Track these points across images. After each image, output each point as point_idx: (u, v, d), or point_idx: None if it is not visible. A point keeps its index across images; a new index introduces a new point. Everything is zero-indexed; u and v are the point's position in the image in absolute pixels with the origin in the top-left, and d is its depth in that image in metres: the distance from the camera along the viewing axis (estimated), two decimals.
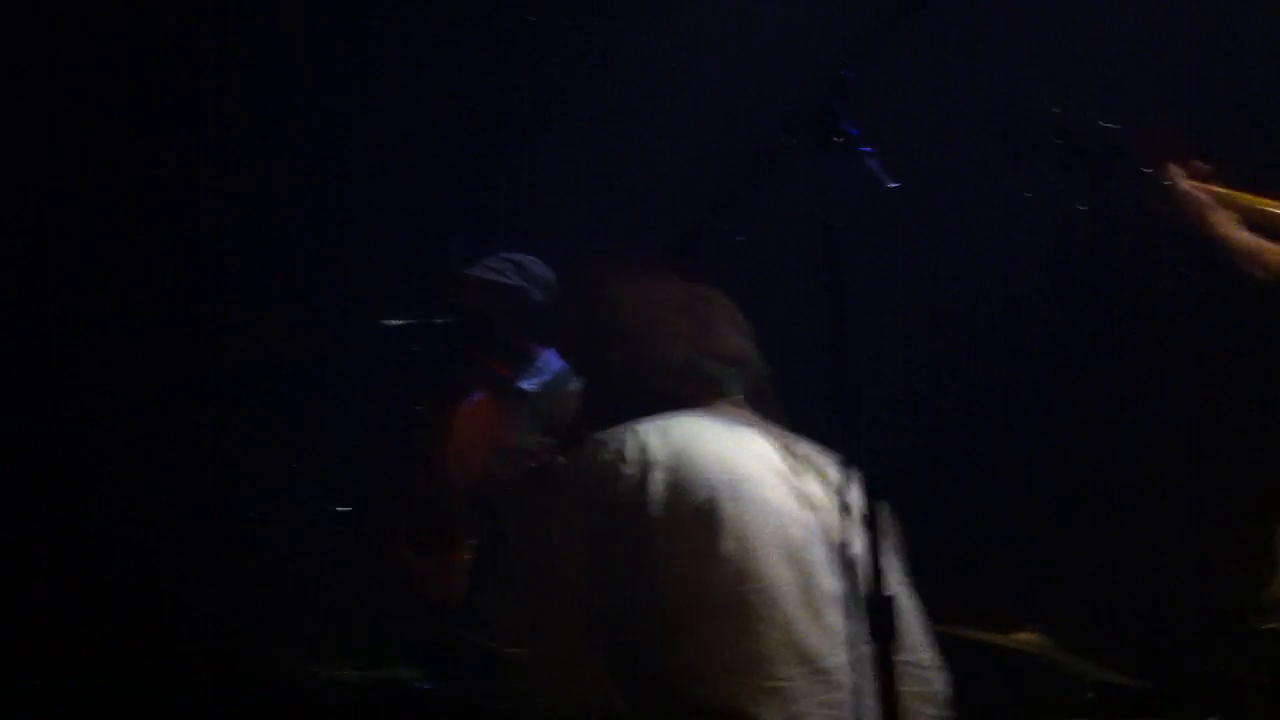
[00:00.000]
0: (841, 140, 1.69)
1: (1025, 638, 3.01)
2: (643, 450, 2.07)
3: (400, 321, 3.52)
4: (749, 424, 2.24)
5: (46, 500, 4.26)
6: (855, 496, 1.72)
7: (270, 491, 4.17)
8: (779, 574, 2.02)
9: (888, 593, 1.70)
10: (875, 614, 1.69)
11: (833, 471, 2.15)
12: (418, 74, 4.63)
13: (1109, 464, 3.86)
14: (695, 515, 2.03)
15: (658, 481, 2.04)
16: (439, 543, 3.61)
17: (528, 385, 3.67)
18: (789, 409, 2.34)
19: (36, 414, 4.36)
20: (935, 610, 2.44)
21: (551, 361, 3.71)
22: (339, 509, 3.39)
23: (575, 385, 3.51)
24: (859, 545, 1.75)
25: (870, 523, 1.71)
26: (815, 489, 2.14)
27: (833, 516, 2.05)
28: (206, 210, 4.53)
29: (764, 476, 2.12)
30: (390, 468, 3.96)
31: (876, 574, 1.70)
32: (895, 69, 3.13)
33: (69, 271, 4.45)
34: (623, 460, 2.06)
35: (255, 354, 4.46)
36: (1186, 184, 2.67)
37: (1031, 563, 3.81)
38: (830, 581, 2.03)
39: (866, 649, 1.69)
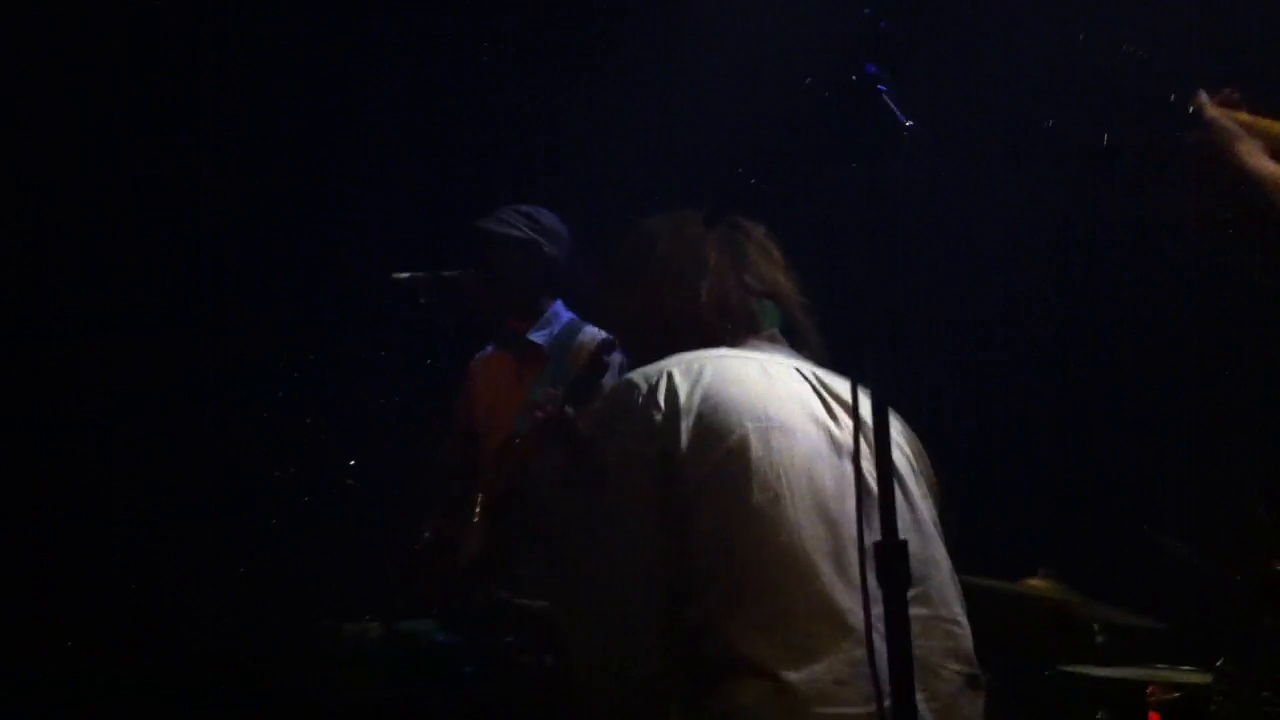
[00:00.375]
0: (857, 78, 1.66)
1: (1036, 584, 3.00)
2: (673, 395, 2.00)
3: (408, 274, 3.50)
4: (785, 361, 2.16)
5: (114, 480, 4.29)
6: (888, 438, 1.68)
7: (290, 455, 4.18)
8: (808, 527, 1.94)
9: (900, 538, 1.66)
10: (888, 560, 1.65)
11: (866, 412, 2.04)
12: (444, 48, 4.63)
13: (1120, 408, 3.86)
14: (725, 463, 1.96)
15: (688, 429, 1.98)
16: (456, 502, 3.61)
17: (537, 338, 3.66)
18: (827, 344, 2.28)
19: (85, 405, 4.38)
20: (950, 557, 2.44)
21: (561, 313, 3.70)
22: (349, 469, 3.39)
23: (585, 336, 3.52)
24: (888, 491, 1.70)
25: (884, 465, 1.68)
26: (849, 433, 2.04)
27: (867, 461, 1.94)
28: (223, 176, 4.52)
29: (797, 422, 2.04)
30: (408, 427, 3.97)
31: (889, 519, 1.66)
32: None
33: (106, 262, 4.45)
34: (656, 406, 2.00)
35: (273, 319, 4.47)
36: (1214, 110, 2.60)
37: (1042, 508, 3.81)
38: (860, 532, 1.93)
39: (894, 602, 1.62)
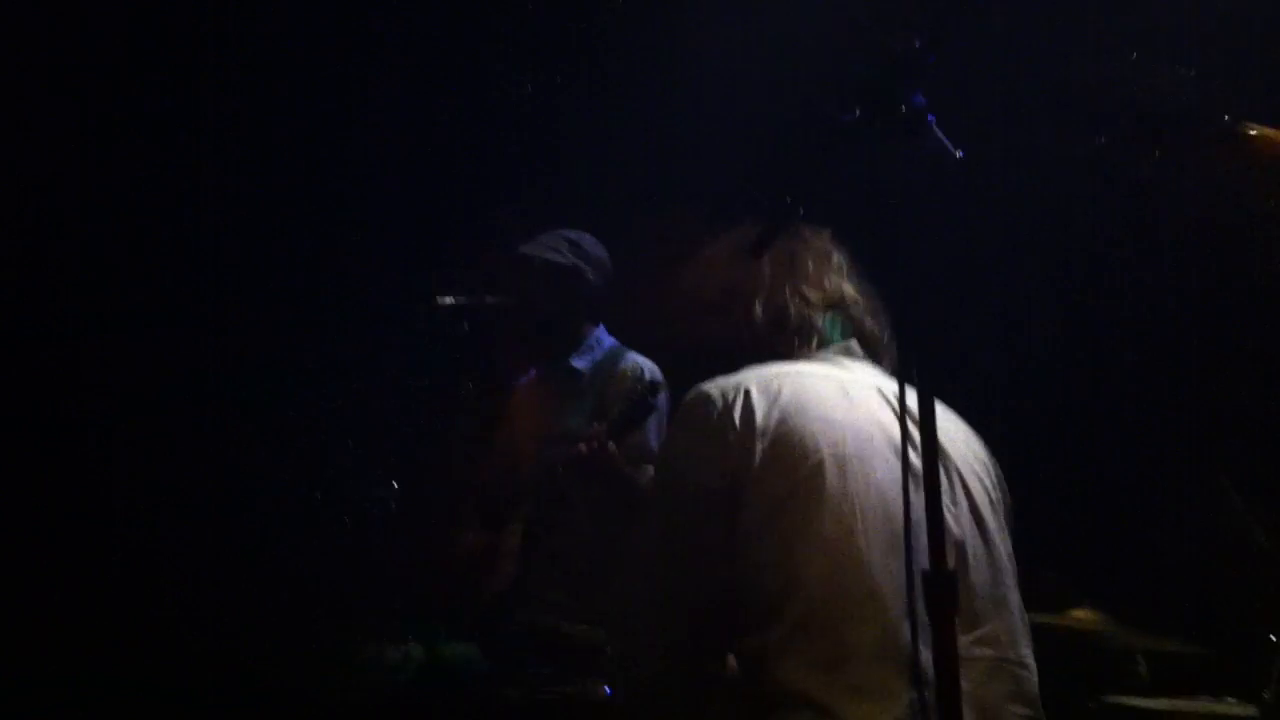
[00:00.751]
0: (907, 110, 1.67)
1: (1080, 615, 2.98)
2: (749, 413, 1.93)
3: (452, 300, 3.52)
4: (865, 382, 2.08)
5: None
6: (924, 468, 1.64)
7: (329, 476, 4.19)
8: (880, 562, 1.86)
9: (949, 568, 1.60)
10: (936, 591, 1.61)
11: (950, 440, 2.03)
12: (460, 55, 4.64)
13: (1159, 436, 3.83)
14: (798, 490, 1.90)
15: (763, 451, 1.91)
16: (494, 526, 3.62)
17: (579, 364, 3.67)
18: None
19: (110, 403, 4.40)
20: None
21: (603, 339, 3.71)
22: (392, 490, 3.40)
23: (627, 363, 3.54)
24: (962, 525, 1.68)
25: (933, 490, 1.63)
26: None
27: (946, 495, 1.94)
28: (263, 189, 4.54)
29: (876, 450, 1.95)
30: (445, 450, 3.98)
31: (938, 546, 1.61)
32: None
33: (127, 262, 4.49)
34: (731, 424, 1.93)
35: (314, 338, 4.49)
36: (1262, 131, 2.58)
37: (1084, 539, 3.78)
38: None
39: (965, 643, 1.60)
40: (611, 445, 3.16)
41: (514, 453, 3.78)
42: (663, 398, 3.32)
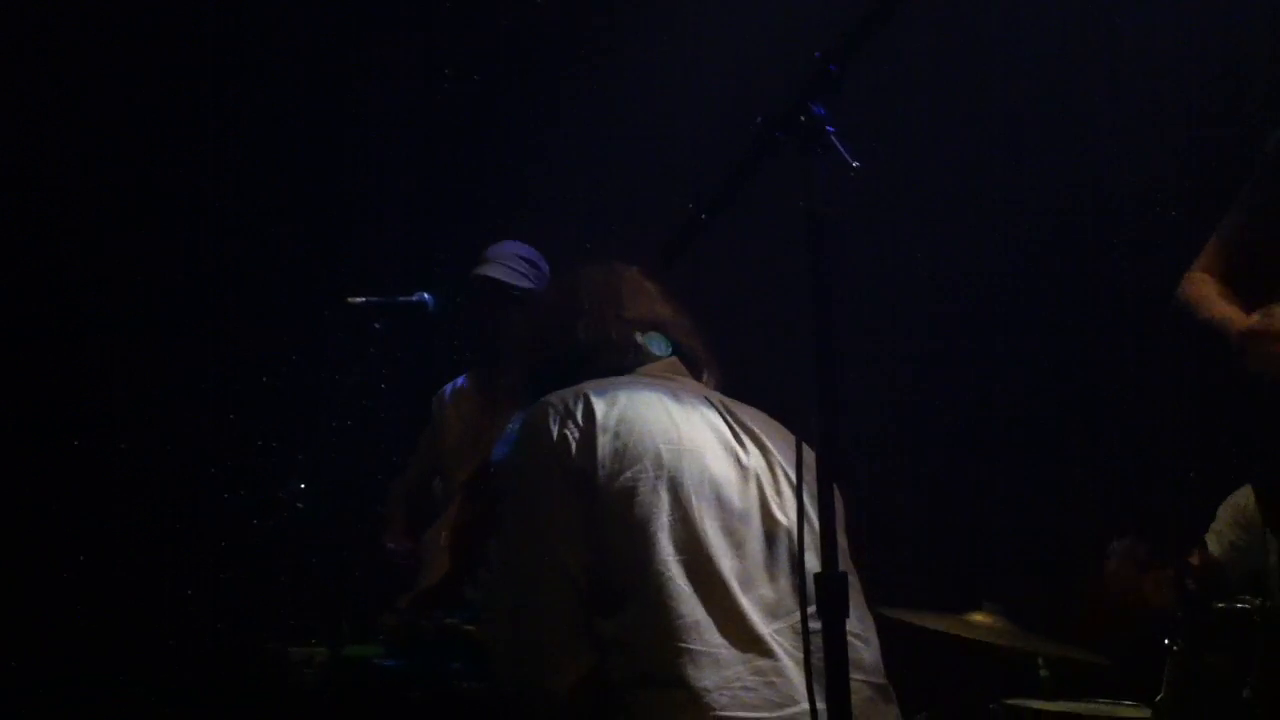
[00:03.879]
0: (805, 119, 1.70)
1: (980, 619, 3.03)
2: (590, 414, 2.10)
3: (363, 299, 3.51)
4: (693, 389, 2.28)
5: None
6: (804, 469, 1.78)
7: (259, 480, 4.16)
8: (717, 545, 2.06)
9: (841, 569, 1.70)
10: (829, 589, 1.69)
11: (773, 441, 2.23)
12: (419, 67, 4.65)
13: (1065, 441, 3.90)
14: (638, 481, 2.06)
15: (604, 447, 2.07)
16: (418, 529, 3.61)
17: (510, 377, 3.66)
18: (734, 373, 2.39)
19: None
20: (890, 594, 2.47)
21: None
22: (299, 490, 3.37)
23: None
24: (801, 517, 1.87)
25: (827, 498, 1.71)
26: (756, 459, 2.19)
27: (770, 487, 2.16)
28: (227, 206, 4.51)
29: (706, 446, 2.15)
30: (364, 450, 3.96)
31: (830, 550, 1.71)
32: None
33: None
34: (574, 424, 2.09)
35: (246, 344, 4.46)
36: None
37: (986, 542, 3.85)
38: (765, 552, 2.09)
39: (800, 618, 1.78)
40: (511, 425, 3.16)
41: (442, 459, 3.77)
42: None
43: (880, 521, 2.46)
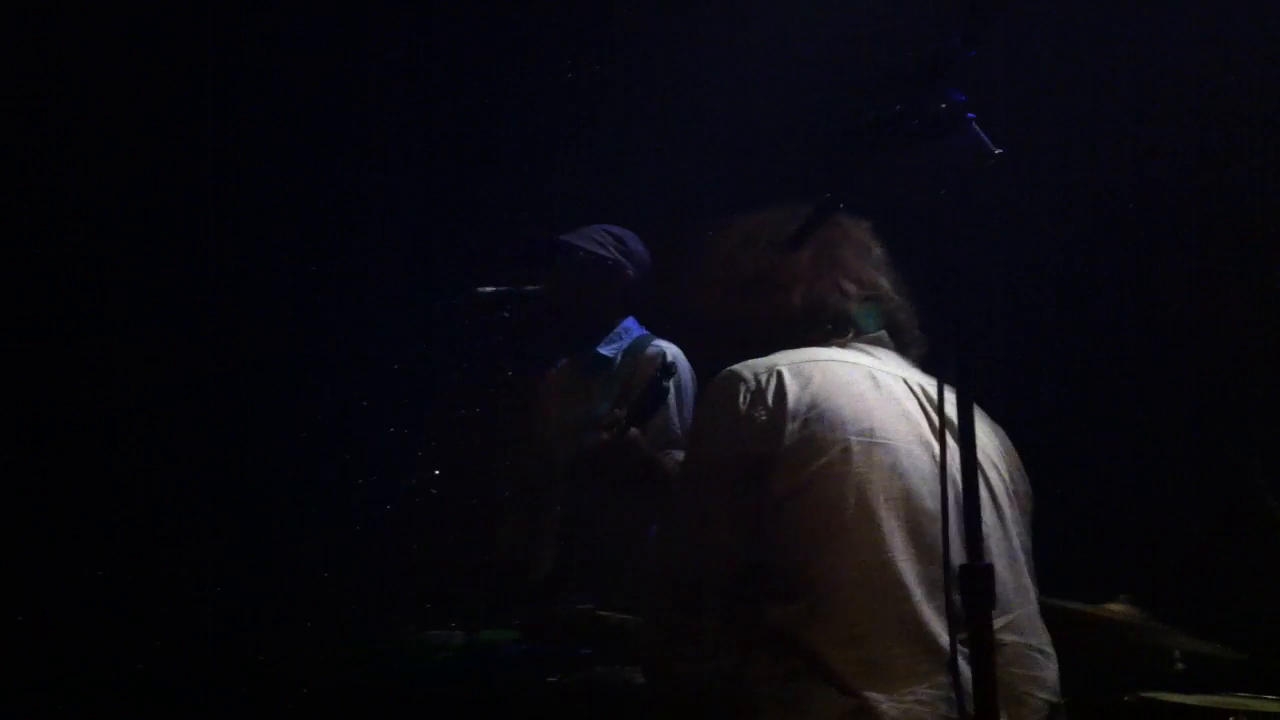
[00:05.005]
0: (947, 106, 1.68)
1: (1115, 608, 2.98)
2: (781, 396, 1.98)
3: (492, 289, 3.56)
4: (893, 371, 2.13)
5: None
6: (961, 464, 1.68)
7: (372, 464, 4.25)
8: (903, 548, 1.94)
9: (986, 561, 1.66)
10: (972, 584, 1.66)
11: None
12: (507, 50, 4.67)
13: (1203, 432, 3.81)
14: (824, 473, 1.96)
15: (791, 435, 1.96)
16: (531, 513, 3.66)
17: (607, 351, 3.70)
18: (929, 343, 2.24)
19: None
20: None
21: (632, 328, 3.75)
22: (433, 477, 3.44)
23: (652, 349, 3.57)
24: (983, 515, 1.70)
25: (970, 488, 1.67)
26: (953, 455, 1.99)
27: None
28: (308, 181, 4.60)
29: (901, 439, 2.02)
30: (483, 437, 4.01)
31: (974, 542, 1.66)
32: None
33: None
34: (764, 405, 1.98)
35: (360, 329, 4.55)
36: None
37: (1125, 532, 3.78)
38: (956, 555, 1.93)
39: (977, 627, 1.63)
40: (634, 430, 3.19)
41: (546, 440, 3.82)
42: (687, 379, 3.35)
43: None
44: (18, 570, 4.00)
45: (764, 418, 1.97)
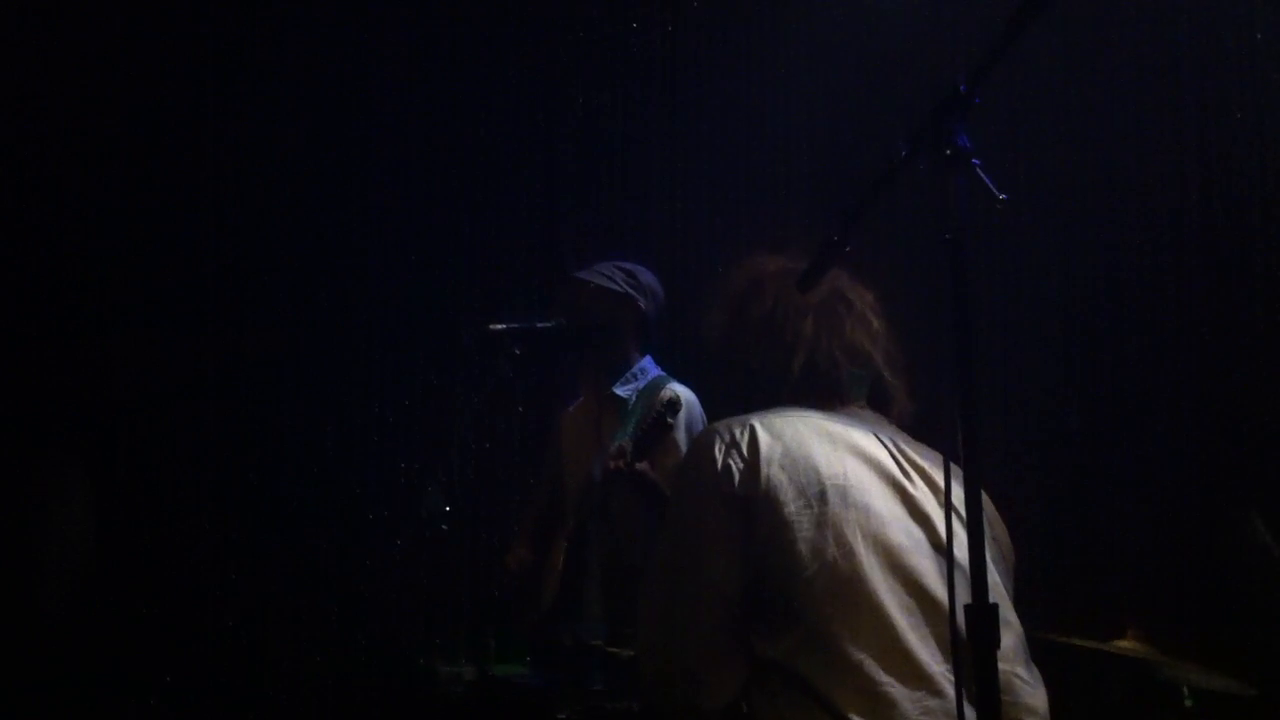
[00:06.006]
0: (951, 152, 1.71)
1: (1126, 644, 2.99)
2: (755, 445, 2.10)
3: (503, 326, 3.59)
4: (866, 426, 2.25)
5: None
6: (965, 505, 1.73)
7: (385, 496, 4.26)
8: (883, 581, 2.04)
9: (991, 600, 1.70)
10: (978, 621, 1.69)
11: (942, 478, 2.18)
12: (522, 79, 4.71)
13: (1214, 468, 3.81)
14: (802, 515, 2.06)
15: (768, 477, 2.07)
16: (544, 545, 3.68)
17: (621, 391, 3.72)
18: (919, 414, 2.35)
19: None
20: (1036, 617, 2.45)
21: (649, 369, 3.76)
22: (445, 511, 3.46)
23: (666, 391, 3.59)
24: (965, 553, 1.76)
25: (975, 530, 1.71)
26: (925, 497, 2.16)
27: (941, 524, 2.12)
28: (319, 222, 4.64)
29: (872, 482, 2.14)
30: (502, 470, 4.03)
31: (979, 582, 1.70)
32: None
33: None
34: (740, 454, 2.10)
35: (374, 361, 4.57)
36: None
37: (1134, 568, 3.77)
38: (934, 589, 2.06)
39: (967, 656, 1.71)
40: (643, 464, 3.23)
41: (561, 474, 3.84)
42: (697, 419, 3.38)
43: (1026, 543, 2.42)
44: (18, 570, 4.03)
45: (740, 465, 2.09)
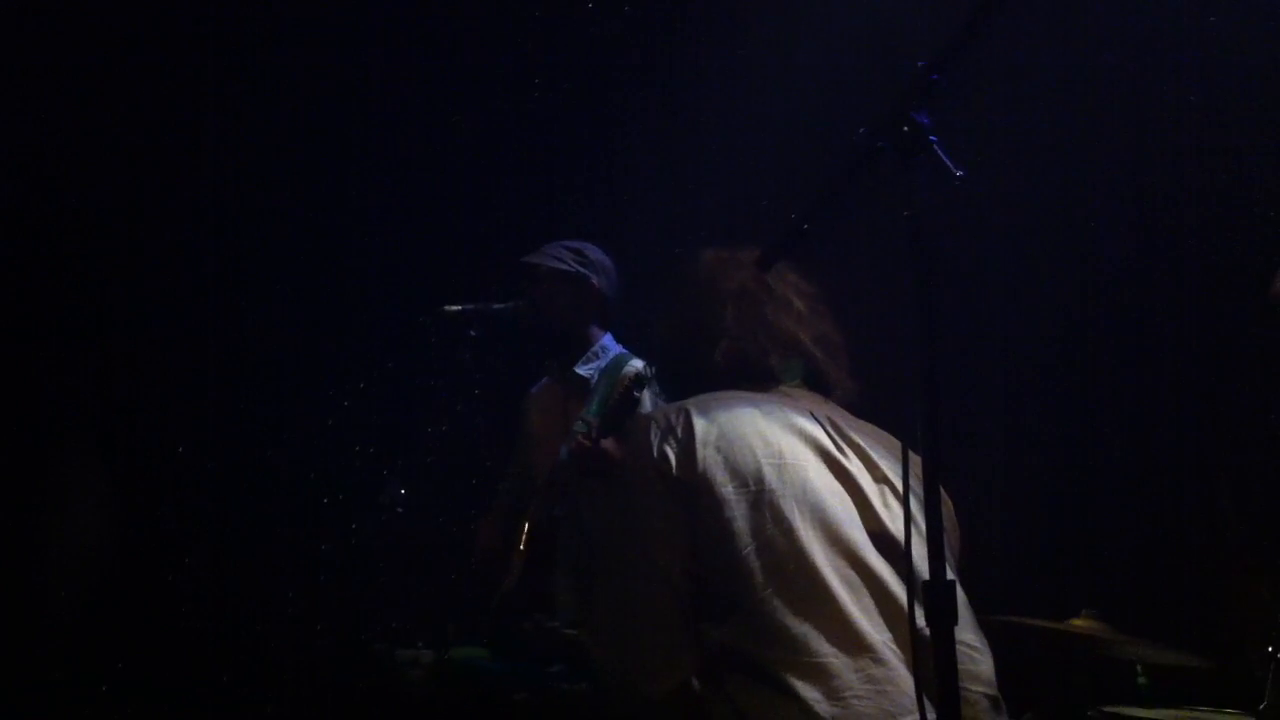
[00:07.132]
0: (909, 129, 1.71)
1: (1080, 624, 3.01)
2: (689, 429, 2.13)
3: (459, 308, 3.57)
4: (800, 407, 2.28)
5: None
6: (912, 481, 1.77)
7: (342, 480, 4.24)
8: (822, 555, 2.07)
9: (949, 577, 1.71)
10: (937, 598, 1.70)
11: (883, 456, 2.24)
12: (491, 68, 4.69)
13: (1168, 446, 3.85)
14: (740, 494, 2.09)
15: (704, 461, 2.10)
16: (511, 529, 3.67)
17: (584, 371, 3.72)
18: (865, 394, 2.37)
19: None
20: (992, 598, 2.47)
21: (610, 347, 3.76)
22: (400, 495, 3.45)
23: (630, 368, 3.59)
24: (911, 528, 1.83)
25: (932, 507, 1.72)
26: (860, 472, 2.20)
27: (877, 498, 2.17)
28: (289, 202, 4.61)
29: (809, 459, 2.17)
30: (461, 455, 4.02)
31: (938, 558, 1.71)
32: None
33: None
34: (674, 438, 2.12)
35: (327, 345, 4.55)
36: None
37: (1088, 547, 3.81)
38: (872, 561, 2.10)
39: (914, 627, 1.75)
40: (608, 442, 3.22)
41: (528, 457, 3.83)
42: (648, 390, 3.38)
43: (980, 526, 2.44)
44: (31, 566, 4.00)
45: (676, 449, 2.11)
